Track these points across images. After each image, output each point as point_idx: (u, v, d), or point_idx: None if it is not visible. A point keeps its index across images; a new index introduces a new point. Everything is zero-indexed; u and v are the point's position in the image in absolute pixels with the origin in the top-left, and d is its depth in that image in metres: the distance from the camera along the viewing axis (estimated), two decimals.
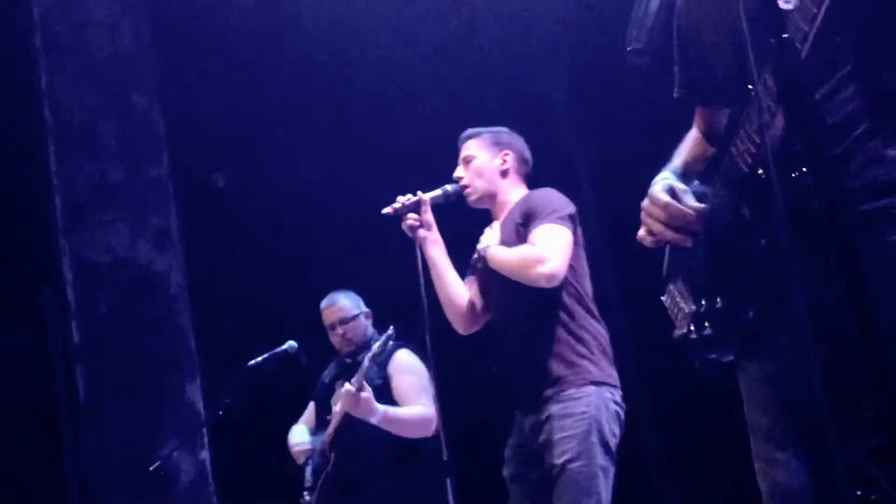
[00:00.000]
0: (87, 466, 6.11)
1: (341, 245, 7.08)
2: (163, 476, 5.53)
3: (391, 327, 4.54)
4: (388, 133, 7.35)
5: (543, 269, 3.65)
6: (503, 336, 3.89)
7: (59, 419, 6.28)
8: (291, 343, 5.19)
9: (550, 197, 3.86)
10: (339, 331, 4.97)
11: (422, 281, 3.89)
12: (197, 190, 6.94)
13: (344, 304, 5.02)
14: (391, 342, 4.56)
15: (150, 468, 5.31)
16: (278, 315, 6.43)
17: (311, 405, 5.29)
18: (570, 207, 3.84)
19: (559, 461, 3.58)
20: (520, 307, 3.80)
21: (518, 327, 3.79)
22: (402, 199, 3.94)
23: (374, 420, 4.55)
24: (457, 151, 4.10)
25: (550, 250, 3.68)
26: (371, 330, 4.99)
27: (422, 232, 3.93)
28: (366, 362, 4.52)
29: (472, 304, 4.00)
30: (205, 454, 6.32)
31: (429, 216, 3.94)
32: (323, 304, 5.05)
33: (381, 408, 4.57)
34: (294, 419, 5.44)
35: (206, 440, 6.33)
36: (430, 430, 4.57)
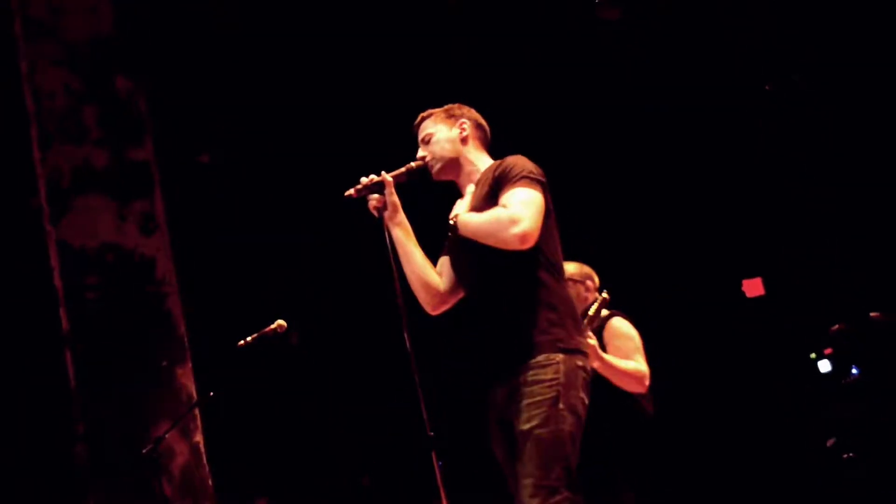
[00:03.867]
0: (80, 451, 6.10)
1: (329, 225, 7.06)
2: (156, 459, 5.53)
3: (605, 291, 4.72)
4: (376, 113, 7.34)
5: (517, 229, 3.61)
6: (474, 307, 3.83)
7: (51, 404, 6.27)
8: (280, 322, 5.17)
9: (519, 161, 3.80)
10: None
11: (393, 263, 3.86)
12: (182, 173, 6.92)
13: (566, 267, 5.16)
14: (605, 309, 4.82)
15: (143, 452, 5.31)
16: (267, 295, 6.42)
17: None
18: (540, 172, 3.80)
19: (526, 427, 3.56)
20: (489, 275, 3.76)
21: (488, 297, 3.74)
22: (365, 181, 3.89)
23: (596, 364, 4.62)
24: None
25: (523, 211, 3.63)
26: (591, 297, 5.11)
27: (386, 213, 3.89)
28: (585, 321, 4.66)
29: (440, 285, 3.97)
30: (198, 437, 6.31)
31: (394, 197, 3.88)
32: None
33: (604, 354, 4.73)
34: (287, 398, 5.45)
35: (198, 423, 6.32)
36: (644, 386, 4.85)
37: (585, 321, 4.67)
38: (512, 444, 3.70)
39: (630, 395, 4.89)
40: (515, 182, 3.70)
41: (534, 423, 3.55)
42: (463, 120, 4.03)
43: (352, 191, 3.89)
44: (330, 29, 7.04)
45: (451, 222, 3.80)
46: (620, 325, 5.02)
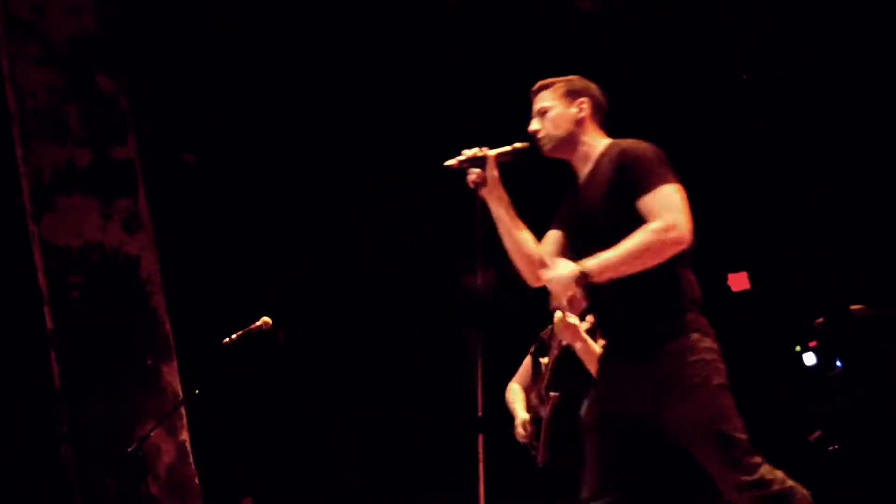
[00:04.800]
0: (65, 451, 6.08)
1: (315, 219, 7.05)
2: (141, 458, 5.51)
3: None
4: (361, 113, 7.34)
5: (674, 234, 3.59)
6: (607, 288, 3.71)
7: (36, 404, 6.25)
8: (266, 319, 5.16)
9: (646, 153, 3.73)
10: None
11: (479, 237, 3.79)
12: (166, 171, 6.91)
13: None
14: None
15: (129, 451, 5.29)
16: (253, 293, 6.41)
17: (527, 360, 5.52)
18: (664, 157, 3.76)
19: (689, 412, 3.58)
20: None
21: (624, 279, 3.64)
22: (468, 153, 3.83)
23: (577, 345, 4.66)
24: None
25: (671, 216, 3.59)
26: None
27: (485, 189, 3.83)
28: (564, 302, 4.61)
29: (543, 258, 3.89)
30: (184, 435, 6.30)
31: (494, 172, 3.82)
32: None
33: (588, 339, 4.69)
34: (273, 395, 5.45)
35: (185, 421, 6.31)
36: None
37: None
38: (609, 418, 3.74)
39: None
40: (654, 181, 3.64)
41: (697, 406, 3.57)
42: (582, 98, 3.90)
43: (453, 161, 3.83)
44: (316, 26, 7.03)
45: (581, 279, 3.57)
46: None
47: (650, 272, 3.61)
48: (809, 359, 7.05)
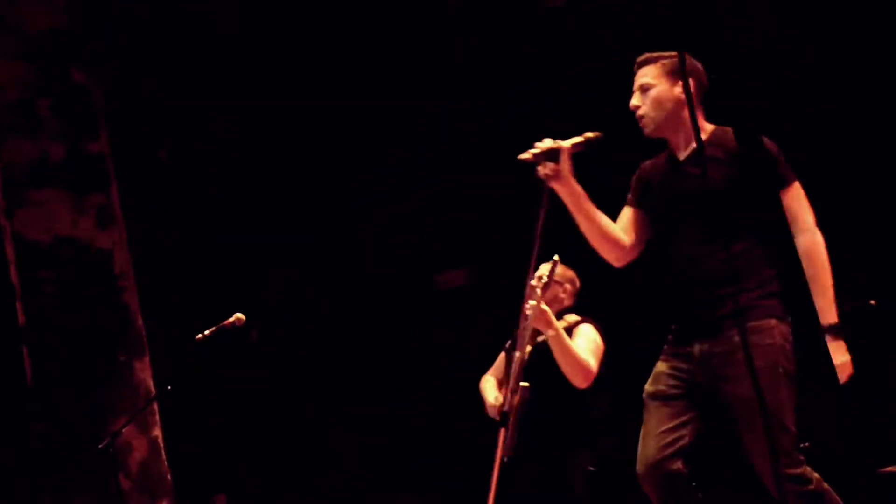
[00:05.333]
0: (36, 446, 6.05)
1: (288, 215, 7.04)
2: (113, 454, 5.49)
3: (556, 256, 4.61)
4: (333, 107, 7.33)
5: (820, 234, 3.75)
6: (682, 261, 3.81)
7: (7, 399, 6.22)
8: (239, 315, 5.15)
9: (774, 146, 3.80)
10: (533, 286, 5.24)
11: (539, 232, 3.70)
12: (139, 166, 6.88)
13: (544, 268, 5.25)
14: (576, 315, 4.93)
15: (100, 446, 5.27)
16: (226, 289, 6.39)
17: (501, 355, 5.52)
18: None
19: (747, 394, 3.53)
20: (736, 242, 3.75)
21: (702, 255, 3.73)
22: (542, 146, 3.78)
23: (550, 333, 4.68)
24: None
25: (812, 214, 3.75)
26: (566, 302, 5.17)
27: (557, 182, 3.78)
28: (534, 282, 4.59)
29: (625, 239, 3.96)
30: (157, 431, 6.27)
31: (567, 164, 3.78)
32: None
33: (559, 326, 4.71)
34: (246, 392, 5.45)
35: (157, 417, 6.29)
36: (586, 382, 4.79)
37: (537, 283, 4.63)
38: (674, 393, 3.80)
39: (580, 393, 4.91)
40: (790, 176, 3.76)
41: (756, 388, 3.53)
42: (688, 78, 3.76)
43: (528, 154, 3.78)
44: (290, 23, 7.01)
45: (835, 331, 3.71)
46: (586, 330, 5.06)
47: (743, 250, 3.69)
48: None
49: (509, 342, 5.54)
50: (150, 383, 6.27)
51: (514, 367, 5.20)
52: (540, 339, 4.98)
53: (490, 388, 5.51)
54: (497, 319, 5.26)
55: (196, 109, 7.10)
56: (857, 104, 7.03)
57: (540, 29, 7.01)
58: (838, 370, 3.54)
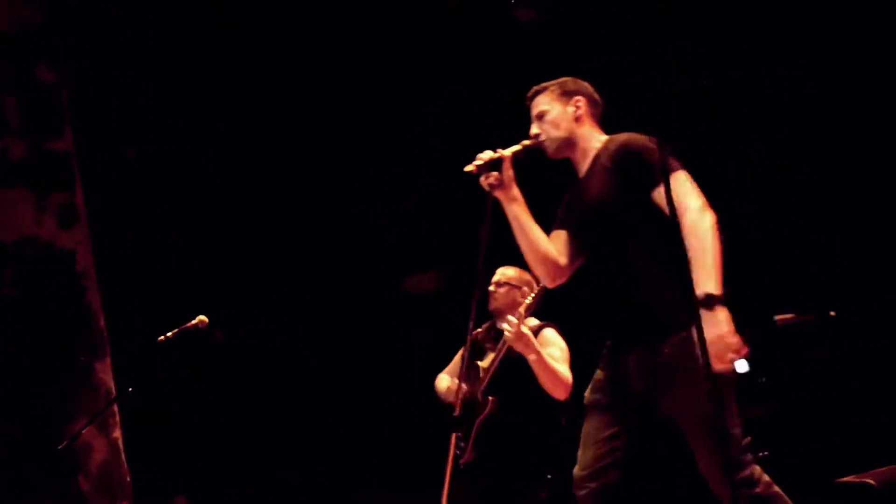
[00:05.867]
0: None
1: (254, 219, 7.02)
2: (72, 456, 5.45)
3: (541, 286, 4.72)
4: (300, 107, 7.31)
5: (712, 215, 3.67)
6: (608, 277, 3.83)
7: None
8: (202, 317, 5.13)
9: (648, 143, 3.80)
10: (493, 290, 5.31)
11: (484, 239, 3.80)
12: (103, 165, 6.84)
13: (505, 271, 5.28)
14: (537, 320, 4.98)
15: (60, 447, 5.24)
16: (189, 290, 6.37)
17: (458, 358, 5.57)
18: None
19: (691, 404, 3.62)
20: (633, 250, 3.77)
21: (628, 269, 3.74)
22: (484, 157, 3.85)
23: (531, 357, 4.73)
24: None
25: (700, 197, 3.69)
26: (524, 304, 5.10)
27: (501, 190, 3.86)
28: (521, 310, 4.75)
29: (558, 258, 3.98)
30: (117, 433, 6.24)
31: (510, 173, 3.86)
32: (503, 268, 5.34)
33: (540, 349, 4.76)
34: (208, 394, 5.43)
35: (117, 419, 6.25)
36: (566, 393, 4.86)
37: (522, 310, 4.75)
38: (616, 405, 3.81)
39: (553, 402, 4.95)
40: (672, 168, 3.70)
41: (699, 398, 3.57)
42: (578, 97, 4.02)
43: (472, 167, 3.84)
44: (275, 21, 7.00)
45: (712, 302, 3.55)
46: (552, 336, 5.10)
47: (666, 261, 3.66)
48: (742, 366, 7.15)
49: (467, 346, 5.57)
50: (111, 384, 6.24)
51: (482, 376, 5.23)
52: (504, 350, 5.00)
53: (446, 383, 5.54)
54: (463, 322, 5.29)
55: (165, 106, 7.07)
56: (854, 105, 7.11)
57: (538, 30, 7.06)
58: (710, 346, 3.24)
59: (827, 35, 6.74)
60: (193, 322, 5.13)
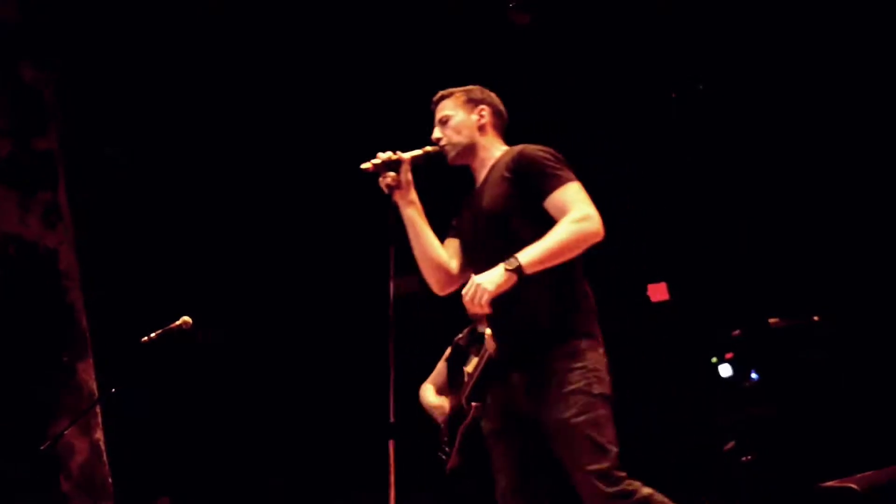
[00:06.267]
0: None
1: (236, 219, 7.00)
2: (54, 456, 5.42)
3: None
4: (285, 106, 7.30)
5: (594, 225, 3.63)
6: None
7: None
8: (186, 318, 5.09)
9: (545, 154, 3.80)
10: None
11: (392, 241, 3.84)
12: (87, 164, 6.81)
13: None
14: None
15: (41, 448, 5.20)
16: (173, 291, 6.34)
17: (442, 365, 5.57)
18: (562, 157, 3.82)
19: (566, 416, 3.61)
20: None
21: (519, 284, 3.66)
22: (383, 156, 3.86)
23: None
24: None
25: (587, 208, 3.65)
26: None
27: (398, 192, 3.87)
28: None
29: (449, 266, 3.98)
30: (99, 434, 6.20)
31: (408, 175, 3.88)
32: None
33: None
34: (190, 395, 5.40)
35: (99, 420, 6.22)
36: None
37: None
38: (511, 426, 3.78)
39: None
40: (557, 180, 3.71)
41: (573, 411, 3.61)
42: (482, 106, 4.03)
43: (369, 164, 3.85)
44: (242, 18, 6.98)
45: (512, 265, 3.58)
46: None
47: (546, 277, 3.65)
48: (725, 370, 7.16)
49: (450, 351, 5.56)
50: (93, 385, 6.20)
51: (466, 382, 5.23)
52: (486, 356, 4.99)
53: (432, 395, 5.52)
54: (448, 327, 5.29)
55: (149, 105, 7.05)
56: (760, 111, 7.13)
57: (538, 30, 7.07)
58: (469, 285, 3.50)
59: (820, 36, 6.76)
60: (177, 323, 5.10)
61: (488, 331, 4.71)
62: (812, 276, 7.20)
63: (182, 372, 6.55)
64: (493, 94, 4.10)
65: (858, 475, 5.23)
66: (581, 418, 3.59)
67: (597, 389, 3.65)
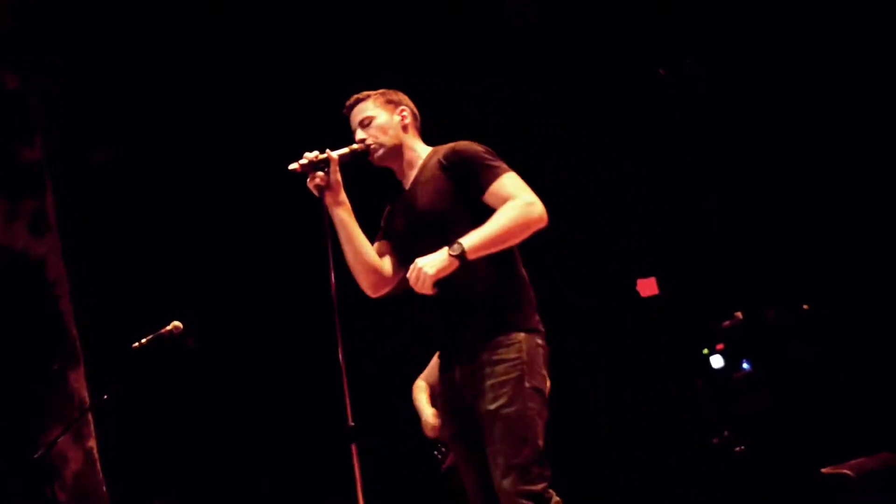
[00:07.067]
0: None
1: (224, 224, 6.99)
2: (48, 465, 5.40)
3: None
4: (268, 112, 7.29)
5: (538, 211, 3.63)
6: (441, 285, 3.72)
7: None
8: (176, 323, 5.09)
9: (476, 147, 3.80)
10: None
11: (329, 243, 3.76)
12: (74, 172, 6.80)
13: None
14: None
15: (35, 457, 5.18)
16: (163, 297, 6.33)
17: (435, 361, 5.44)
18: (494, 152, 3.83)
19: (493, 406, 3.58)
20: None
21: (447, 281, 3.64)
22: (310, 156, 3.80)
23: None
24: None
25: (527, 195, 3.65)
26: None
27: (328, 192, 3.82)
28: None
29: (382, 267, 3.94)
30: (91, 442, 6.19)
31: (337, 175, 3.81)
32: None
33: None
34: (182, 401, 5.39)
35: (92, 428, 6.20)
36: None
37: None
38: (467, 425, 3.72)
39: None
40: (494, 171, 3.71)
41: (500, 402, 3.57)
42: (403, 107, 4.03)
43: (296, 165, 3.79)
44: (226, 27, 6.98)
45: (453, 257, 3.58)
46: None
47: (484, 270, 3.66)
48: (717, 361, 7.18)
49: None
50: (85, 393, 6.19)
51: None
52: None
53: (424, 402, 5.47)
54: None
55: (134, 112, 7.03)
56: (751, 103, 7.15)
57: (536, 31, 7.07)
58: (412, 268, 3.54)
59: (809, 22, 6.78)
60: (168, 328, 5.09)
61: None
62: (802, 267, 7.22)
63: (175, 376, 6.52)
64: (406, 96, 4.09)
65: (852, 461, 5.26)
66: (509, 410, 3.56)
67: (529, 383, 3.62)
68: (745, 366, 6.89)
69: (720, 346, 7.08)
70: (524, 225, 3.62)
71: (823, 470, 5.16)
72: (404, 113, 4.02)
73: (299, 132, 7.52)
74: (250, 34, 6.97)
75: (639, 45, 7.35)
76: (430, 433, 5.34)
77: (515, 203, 3.62)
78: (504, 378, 3.60)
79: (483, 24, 7.04)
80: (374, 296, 4.00)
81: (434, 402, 5.38)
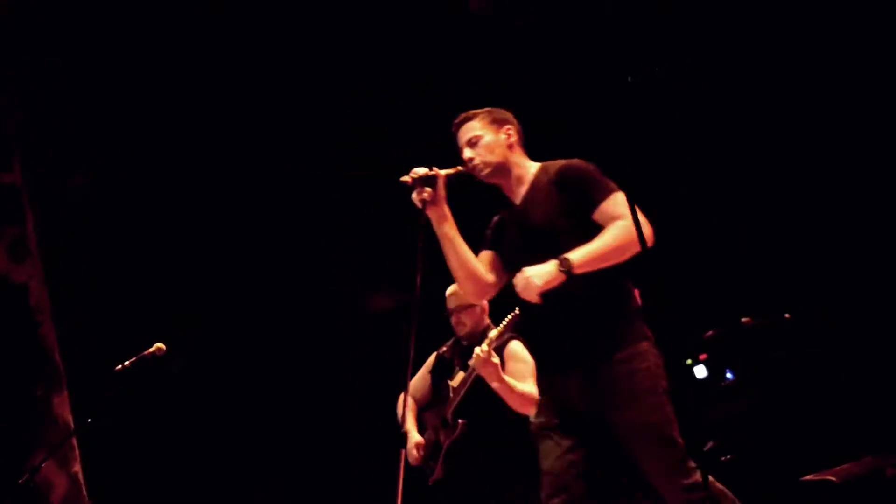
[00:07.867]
0: None
1: (206, 247, 6.98)
2: (33, 490, 5.37)
3: (515, 311, 4.73)
4: (252, 131, 7.30)
5: (647, 233, 3.75)
6: (554, 301, 3.85)
7: None
8: (159, 345, 5.08)
9: (589, 167, 3.96)
10: (454, 318, 5.30)
11: (419, 256, 3.89)
12: (54, 196, 6.79)
13: (457, 293, 5.28)
14: (508, 333, 4.97)
15: (19, 482, 5.16)
16: (146, 320, 6.32)
17: (424, 374, 5.59)
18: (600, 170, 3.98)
19: (639, 417, 3.74)
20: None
21: (570, 291, 3.78)
22: (420, 171, 3.95)
23: (495, 384, 4.84)
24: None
25: (626, 213, 3.75)
26: (487, 320, 5.30)
27: (432, 207, 3.96)
28: (492, 334, 4.83)
29: (485, 276, 4.08)
30: (76, 467, 6.17)
31: (443, 192, 3.97)
32: (448, 290, 5.30)
33: (506, 378, 4.87)
34: (167, 423, 5.38)
35: (76, 452, 6.18)
36: (533, 410, 4.74)
37: (494, 334, 4.82)
38: (568, 422, 3.87)
39: (524, 419, 4.96)
40: (605, 191, 3.87)
41: (646, 411, 3.74)
42: (508, 125, 4.13)
43: (407, 178, 3.94)
44: (207, 48, 6.99)
45: (564, 265, 3.74)
46: (518, 349, 5.12)
47: (597, 282, 3.79)
48: (700, 371, 7.20)
49: (434, 362, 5.57)
50: (69, 418, 6.17)
51: (452, 397, 5.25)
52: (483, 377, 5.00)
53: (411, 424, 5.49)
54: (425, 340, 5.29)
55: (114, 135, 7.03)
56: (727, 109, 7.18)
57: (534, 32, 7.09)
58: (519, 277, 3.74)
59: (789, 21, 6.81)
60: (151, 350, 5.09)
61: (482, 347, 4.76)
62: (783, 275, 7.25)
63: (158, 399, 6.51)
64: (511, 115, 4.21)
65: (836, 468, 5.28)
66: (654, 417, 3.74)
67: (662, 387, 3.80)
68: (728, 375, 6.91)
69: (703, 357, 7.10)
70: (631, 243, 3.75)
71: (808, 476, 5.19)
72: (510, 131, 4.12)
73: (281, 150, 7.56)
74: (227, 57, 6.98)
75: (638, 45, 7.37)
76: (413, 462, 5.39)
77: (624, 223, 3.76)
78: (646, 387, 3.77)
79: (483, 24, 7.06)
80: (477, 301, 4.38)
81: (423, 428, 5.45)
